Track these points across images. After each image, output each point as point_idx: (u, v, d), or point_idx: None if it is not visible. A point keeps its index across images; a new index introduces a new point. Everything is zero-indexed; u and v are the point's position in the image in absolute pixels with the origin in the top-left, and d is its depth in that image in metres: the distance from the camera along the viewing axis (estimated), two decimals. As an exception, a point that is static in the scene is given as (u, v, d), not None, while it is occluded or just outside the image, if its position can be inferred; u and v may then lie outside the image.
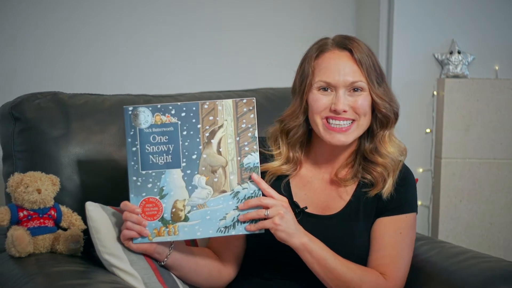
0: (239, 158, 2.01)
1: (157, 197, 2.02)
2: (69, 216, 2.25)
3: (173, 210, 2.03)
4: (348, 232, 2.15)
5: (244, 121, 2.01)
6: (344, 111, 2.10)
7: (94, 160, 2.37)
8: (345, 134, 2.12)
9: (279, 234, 1.99)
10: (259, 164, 2.03)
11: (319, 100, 2.12)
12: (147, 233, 2.03)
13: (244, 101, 2.02)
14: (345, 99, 2.10)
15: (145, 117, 2.01)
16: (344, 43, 2.13)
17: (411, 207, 2.18)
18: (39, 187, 2.18)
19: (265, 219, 1.99)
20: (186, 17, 3.48)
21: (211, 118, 2.00)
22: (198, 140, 2.01)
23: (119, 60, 3.38)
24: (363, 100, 2.11)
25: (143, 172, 2.02)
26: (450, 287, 2.15)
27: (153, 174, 2.02)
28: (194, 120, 2.00)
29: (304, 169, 2.25)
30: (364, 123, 2.13)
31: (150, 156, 2.01)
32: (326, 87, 2.12)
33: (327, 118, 2.12)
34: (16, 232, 2.13)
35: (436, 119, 3.59)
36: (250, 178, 2.01)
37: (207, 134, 2.01)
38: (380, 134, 2.17)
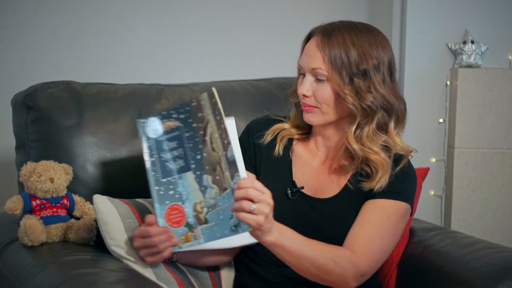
0: (225, 152, 1.91)
1: (179, 203, 2.00)
2: (81, 205, 2.26)
3: (195, 213, 1.98)
4: (340, 217, 2.12)
5: (216, 112, 1.93)
6: (305, 96, 2.10)
7: (107, 149, 2.37)
8: (310, 114, 2.13)
9: (256, 232, 1.89)
10: (234, 157, 1.89)
11: (297, 83, 2.15)
12: (177, 241, 2.01)
13: (212, 92, 1.93)
14: (310, 85, 2.10)
15: (156, 126, 2.00)
16: (323, 31, 2.11)
17: (404, 197, 2.12)
18: (52, 176, 2.18)
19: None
20: (200, 6, 3.48)
21: (199, 115, 1.94)
22: (197, 139, 1.96)
23: (132, 50, 3.38)
24: (323, 91, 2.08)
25: (164, 180, 2.00)
26: (463, 277, 2.14)
27: (172, 180, 2.00)
28: (190, 120, 1.96)
29: (305, 149, 2.24)
30: (329, 111, 2.11)
31: (167, 164, 2.00)
32: (302, 72, 2.13)
33: None
34: (29, 221, 2.13)
35: (449, 109, 3.59)
36: (236, 172, 1.90)
37: (201, 132, 1.95)
38: (347, 128, 2.13)
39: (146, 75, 3.18)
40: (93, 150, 2.36)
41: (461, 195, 3.53)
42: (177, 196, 2.00)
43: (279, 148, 2.23)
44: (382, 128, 2.11)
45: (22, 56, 3.23)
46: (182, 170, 1.99)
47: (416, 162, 2.28)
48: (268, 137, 2.24)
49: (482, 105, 3.50)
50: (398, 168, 2.10)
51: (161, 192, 2.01)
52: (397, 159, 2.13)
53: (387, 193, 2.10)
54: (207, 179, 1.95)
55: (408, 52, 3.58)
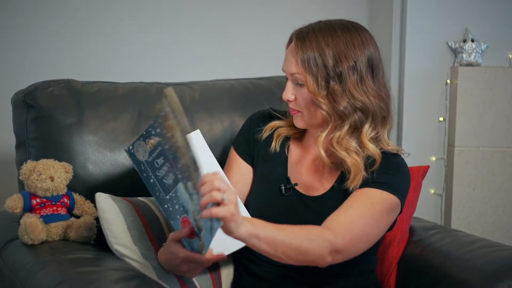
0: (190, 153, 1.80)
1: (185, 215, 1.98)
2: (82, 203, 2.26)
3: (195, 222, 1.94)
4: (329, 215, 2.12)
5: (176, 112, 1.82)
6: (289, 100, 2.10)
7: (107, 147, 2.37)
8: (296, 117, 2.13)
9: (230, 224, 1.80)
10: (195, 155, 1.81)
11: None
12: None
13: (165, 93, 1.84)
14: (292, 89, 2.09)
15: (143, 147, 1.99)
16: (298, 35, 2.10)
17: (392, 189, 2.08)
18: (52, 174, 2.18)
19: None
20: (200, 6, 3.48)
21: (169, 123, 1.87)
22: (174, 149, 1.89)
23: (132, 50, 3.39)
24: (303, 95, 2.08)
25: (168, 197, 1.99)
26: (463, 276, 2.14)
27: (173, 195, 1.98)
28: (164, 131, 1.91)
29: (300, 147, 2.24)
30: (310, 115, 2.10)
31: (164, 180, 1.98)
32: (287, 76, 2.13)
33: None
34: (29, 219, 2.13)
35: (449, 107, 3.59)
36: (200, 169, 1.80)
37: (173, 140, 1.88)
38: (319, 132, 2.11)
39: (146, 74, 3.18)
40: (93, 148, 2.36)
41: (461, 193, 3.53)
42: (181, 209, 1.98)
43: (275, 145, 2.23)
44: (357, 130, 2.08)
45: (22, 56, 3.23)
46: (175, 182, 1.96)
47: (416, 161, 2.28)
48: (265, 133, 2.25)
49: (482, 104, 3.50)
50: (373, 169, 2.07)
51: (170, 209, 2.00)
52: (375, 160, 2.10)
53: (373, 183, 2.07)
54: (190, 185, 1.88)
55: (408, 51, 3.58)
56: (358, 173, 2.06)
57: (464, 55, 3.52)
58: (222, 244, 1.96)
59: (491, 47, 3.55)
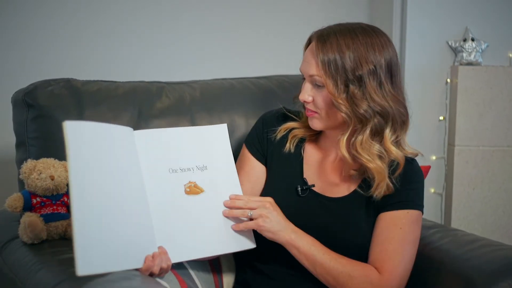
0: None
1: None
2: (82, 203, 2.26)
3: None
4: (348, 218, 2.13)
5: None
6: (306, 102, 2.11)
7: (107, 147, 2.37)
8: (312, 119, 2.13)
9: (265, 233, 2.04)
10: None
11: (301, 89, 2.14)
12: None
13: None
14: (310, 91, 2.09)
15: None
16: (319, 37, 2.09)
17: (414, 204, 2.14)
18: (52, 173, 2.18)
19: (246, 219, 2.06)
20: (200, 6, 3.48)
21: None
22: None
23: (132, 50, 3.39)
24: (321, 97, 2.08)
25: None
26: (463, 275, 2.14)
27: None
28: None
29: (316, 148, 2.24)
30: (328, 117, 2.10)
31: None
32: (304, 77, 2.13)
33: None
34: (29, 218, 2.13)
35: (450, 106, 3.59)
36: None
37: None
38: (340, 135, 2.11)
39: (146, 74, 3.19)
40: (93, 148, 2.36)
41: (461, 193, 3.53)
42: None
43: (290, 146, 2.23)
44: (378, 134, 2.08)
45: (22, 55, 3.23)
46: None
47: (417, 160, 2.28)
48: (279, 133, 2.25)
49: (483, 103, 3.50)
50: (396, 174, 2.09)
51: None
52: (398, 165, 2.11)
53: (396, 203, 2.11)
54: None
55: (408, 50, 3.58)
56: (382, 180, 2.08)
57: (464, 54, 3.52)
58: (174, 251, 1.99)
59: (491, 46, 3.55)
